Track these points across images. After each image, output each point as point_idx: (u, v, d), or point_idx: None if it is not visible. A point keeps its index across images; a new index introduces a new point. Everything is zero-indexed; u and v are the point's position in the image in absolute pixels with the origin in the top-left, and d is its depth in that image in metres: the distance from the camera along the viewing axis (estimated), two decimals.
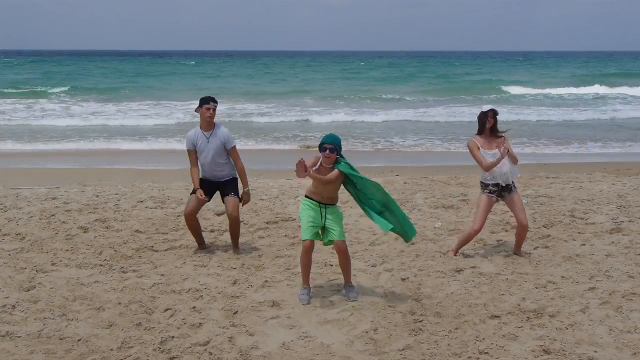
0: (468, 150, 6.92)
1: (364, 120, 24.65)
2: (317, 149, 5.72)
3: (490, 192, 6.86)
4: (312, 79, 49.99)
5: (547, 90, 39.49)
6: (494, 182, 6.82)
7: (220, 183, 7.14)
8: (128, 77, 49.56)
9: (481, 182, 6.95)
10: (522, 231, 6.96)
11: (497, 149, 6.72)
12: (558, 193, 10.17)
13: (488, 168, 6.71)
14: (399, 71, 62.98)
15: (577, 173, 12.30)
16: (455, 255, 7.06)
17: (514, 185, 6.93)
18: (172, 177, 12.06)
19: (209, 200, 7.19)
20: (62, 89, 37.64)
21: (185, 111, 26.28)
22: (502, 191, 6.86)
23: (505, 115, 24.58)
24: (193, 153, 7.04)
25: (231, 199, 7.05)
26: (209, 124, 6.95)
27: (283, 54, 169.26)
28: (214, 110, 6.92)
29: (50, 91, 36.46)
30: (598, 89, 40.90)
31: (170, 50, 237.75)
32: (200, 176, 7.15)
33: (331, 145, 5.62)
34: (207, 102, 6.90)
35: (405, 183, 11.13)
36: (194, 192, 7.08)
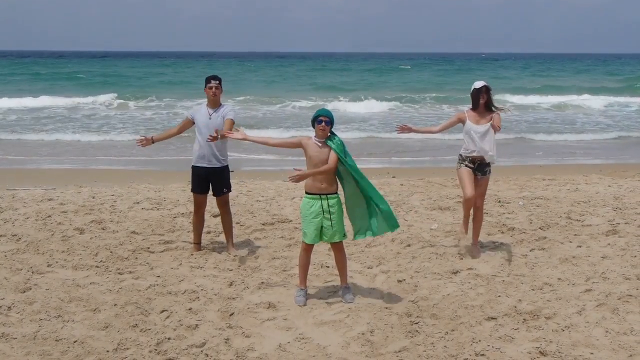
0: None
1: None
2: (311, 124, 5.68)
3: (466, 166, 6.99)
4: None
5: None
6: (470, 156, 6.92)
7: (215, 171, 7.11)
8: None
9: (459, 154, 7.08)
10: (476, 214, 7.18)
11: (487, 124, 6.82)
12: (554, 195, 10.19)
13: (438, 130, 7.15)
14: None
15: (574, 175, 12.31)
16: (467, 231, 7.31)
17: (489, 171, 7.09)
18: (169, 178, 12.05)
19: (206, 192, 7.27)
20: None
21: None
22: (476, 170, 6.99)
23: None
24: (188, 123, 7.20)
25: (224, 194, 7.26)
26: (213, 102, 7.11)
27: (289, 55, 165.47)
28: (217, 88, 7.06)
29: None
30: None
31: (163, 52, 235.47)
32: (194, 163, 7.17)
33: (327, 118, 5.59)
34: (209, 82, 7.08)
35: (401, 185, 11.13)
36: (192, 190, 7.24)
